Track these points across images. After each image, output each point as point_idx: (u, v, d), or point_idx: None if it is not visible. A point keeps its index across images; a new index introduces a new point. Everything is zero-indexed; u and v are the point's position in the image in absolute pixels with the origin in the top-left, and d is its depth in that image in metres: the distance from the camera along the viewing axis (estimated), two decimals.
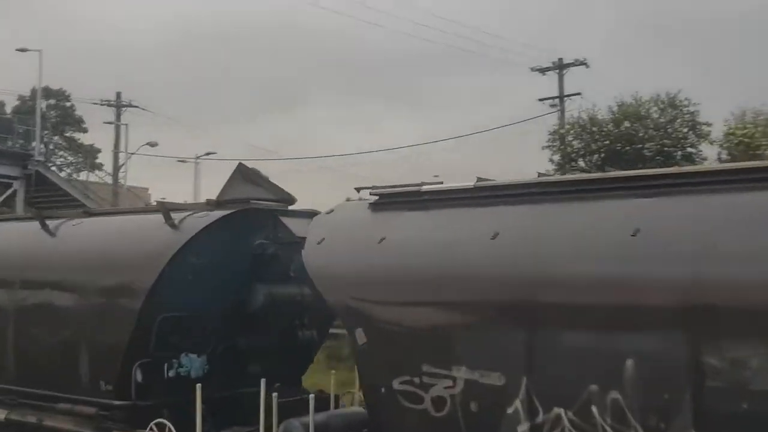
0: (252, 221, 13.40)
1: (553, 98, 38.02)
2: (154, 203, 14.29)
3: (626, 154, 29.81)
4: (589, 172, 30.75)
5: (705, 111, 30.82)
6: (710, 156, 29.39)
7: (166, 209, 13.36)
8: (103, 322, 13.11)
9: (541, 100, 38.27)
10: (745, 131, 28.79)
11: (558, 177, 11.35)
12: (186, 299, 12.95)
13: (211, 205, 13.74)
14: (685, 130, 29.72)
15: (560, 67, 38.45)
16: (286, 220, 13.28)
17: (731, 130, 29.10)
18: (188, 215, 13.41)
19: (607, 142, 30.16)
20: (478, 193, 11.07)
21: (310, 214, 13.52)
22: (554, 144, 31.51)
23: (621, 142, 29.93)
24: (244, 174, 13.80)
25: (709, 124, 29.61)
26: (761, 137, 28.66)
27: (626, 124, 30.16)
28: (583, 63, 38.09)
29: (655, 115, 30.18)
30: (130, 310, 12.79)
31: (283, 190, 13.81)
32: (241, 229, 13.28)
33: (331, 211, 12.27)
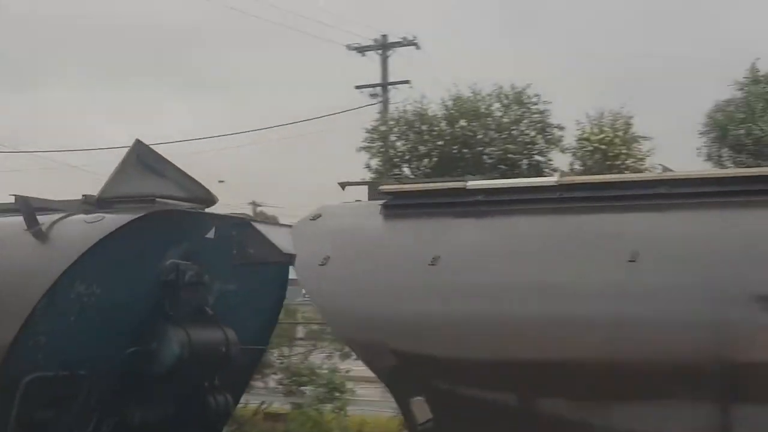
0: (164, 230, 9.99)
1: (373, 86, 35.19)
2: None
3: (463, 159, 27.59)
4: (416, 180, 28.34)
5: (562, 111, 29.09)
6: (563, 165, 27.69)
7: (29, 208, 9.75)
8: None
9: (359, 87, 35.35)
10: (602, 136, 27.27)
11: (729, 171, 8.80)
12: (66, 351, 9.46)
13: (90, 203, 10.22)
14: (533, 133, 27.81)
15: (383, 47, 35.56)
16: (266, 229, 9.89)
17: (585, 135, 27.49)
18: (60, 219, 9.85)
19: (440, 143, 27.78)
20: (571, 193, 8.41)
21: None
22: (373, 144, 28.82)
23: (456, 144, 27.65)
24: (142, 158, 10.38)
25: (561, 127, 27.83)
26: (621, 144, 27.29)
27: (462, 122, 27.85)
28: (412, 43, 35.41)
29: (498, 114, 28.08)
30: None
31: (200, 185, 10.50)
32: (149, 242, 9.85)
33: (317, 216, 9.25)
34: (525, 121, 27.91)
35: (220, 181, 39.20)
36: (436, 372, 7.95)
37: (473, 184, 8.85)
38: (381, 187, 9.15)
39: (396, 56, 35.76)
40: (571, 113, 30.78)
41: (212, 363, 10.36)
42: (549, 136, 27.91)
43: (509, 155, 27.72)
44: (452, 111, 27.98)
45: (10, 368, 9.10)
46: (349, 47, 36.04)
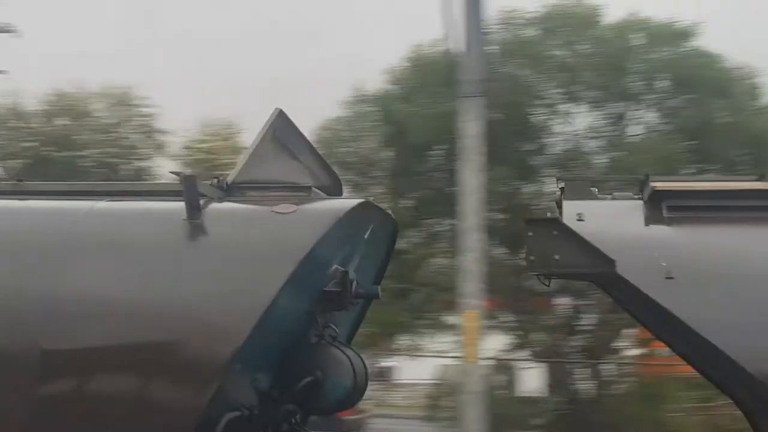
0: (343, 228, 7.71)
1: None
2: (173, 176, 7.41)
3: (59, 161, 24.84)
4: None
5: (176, 118, 27.11)
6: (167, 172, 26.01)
7: (195, 193, 7.10)
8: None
9: None
10: (205, 144, 26.21)
11: None
12: (249, 382, 7.17)
13: (221, 188, 7.68)
14: (137, 136, 25.79)
15: None
16: None
17: (190, 143, 26.26)
18: (209, 204, 7.32)
19: (36, 143, 24.84)
20: None
21: None
22: None
23: (54, 144, 24.82)
24: (278, 134, 7.99)
25: (167, 132, 26.11)
26: (227, 151, 26.41)
27: (65, 120, 25.06)
28: (9, 30, 30.64)
29: (100, 114, 25.63)
30: (185, 407, 6.49)
31: (333, 171, 8.31)
32: (329, 242, 7.56)
33: (581, 215, 7.60)
34: (131, 124, 25.76)
35: None
36: None
37: None
38: (653, 185, 7.63)
39: None
40: (184, 121, 29.13)
41: (357, 395, 8.19)
42: (154, 141, 26.03)
43: (110, 159, 25.40)
44: (52, 108, 25.09)
45: (217, 404, 6.56)
46: None
